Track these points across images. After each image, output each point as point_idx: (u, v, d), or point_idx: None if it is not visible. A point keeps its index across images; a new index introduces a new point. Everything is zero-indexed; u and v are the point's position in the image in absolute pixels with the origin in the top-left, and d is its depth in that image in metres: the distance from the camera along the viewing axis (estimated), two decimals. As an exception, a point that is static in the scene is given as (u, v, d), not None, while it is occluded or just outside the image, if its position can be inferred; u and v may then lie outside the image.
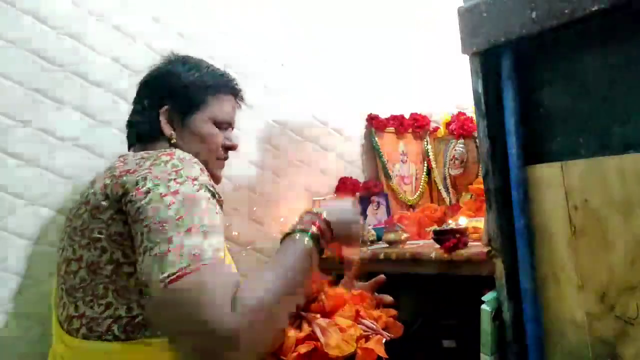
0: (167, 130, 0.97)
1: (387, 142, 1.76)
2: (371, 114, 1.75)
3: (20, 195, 1.10)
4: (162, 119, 0.97)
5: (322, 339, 0.88)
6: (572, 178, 0.75)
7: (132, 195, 0.75)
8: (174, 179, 0.75)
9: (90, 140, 1.21)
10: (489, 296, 0.85)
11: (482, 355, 0.84)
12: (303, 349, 0.87)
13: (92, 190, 0.81)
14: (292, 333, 0.89)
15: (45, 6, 1.16)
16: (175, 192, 0.74)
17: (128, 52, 1.28)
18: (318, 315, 0.93)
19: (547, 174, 0.78)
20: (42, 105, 1.15)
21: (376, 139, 1.74)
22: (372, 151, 1.75)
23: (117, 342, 0.76)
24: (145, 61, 1.30)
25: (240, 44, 1.50)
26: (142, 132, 0.99)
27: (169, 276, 0.66)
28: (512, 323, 0.81)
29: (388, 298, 1.05)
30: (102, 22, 1.25)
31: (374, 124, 1.74)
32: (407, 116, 1.80)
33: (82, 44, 1.21)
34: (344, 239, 0.88)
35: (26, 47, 1.13)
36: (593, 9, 0.67)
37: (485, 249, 0.96)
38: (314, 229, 0.81)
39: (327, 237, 0.83)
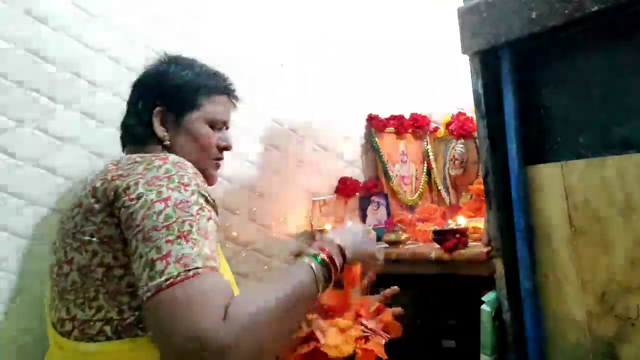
0: (160, 132, 0.96)
1: (387, 142, 1.76)
2: (371, 114, 1.75)
3: (20, 195, 1.10)
4: (156, 121, 0.96)
5: (321, 340, 0.88)
6: (572, 178, 0.75)
7: (124, 201, 0.74)
8: (166, 185, 0.74)
9: (90, 140, 1.20)
10: (489, 296, 0.85)
11: (482, 355, 0.84)
12: (303, 349, 0.87)
13: (84, 193, 0.80)
14: (292, 333, 0.89)
15: (45, 6, 1.16)
16: (167, 199, 0.72)
17: (128, 52, 1.28)
18: (318, 316, 0.93)
19: (547, 174, 0.78)
20: (42, 105, 1.15)
21: (376, 139, 1.74)
22: (372, 151, 1.75)
23: (109, 342, 0.76)
24: (146, 61, 1.30)
25: (241, 43, 1.50)
26: (136, 134, 0.98)
27: (157, 285, 0.65)
28: (512, 323, 0.81)
29: (391, 290, 1.05)
30: (102, 22, 1.25)
31: (374, 124, 1.74)
32: (407, 116, 1.80)
33: (82, 44, 1.21)
34: (360, 261, 0.90)
35: (26, 47, 1.13)
36: (593, 9, 0.67)
37: (485, 249, 0.96)
38: (323, 255, 0.80)
39: (339, 263, 0.82)
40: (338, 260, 0.82)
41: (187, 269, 0.66)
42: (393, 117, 1.78)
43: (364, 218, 1.62)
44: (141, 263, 0.68)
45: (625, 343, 0.70)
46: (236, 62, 1.48)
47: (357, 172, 1.72)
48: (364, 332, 0.94)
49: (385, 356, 0.92)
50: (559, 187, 0.76)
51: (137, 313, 0.76)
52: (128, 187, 0.75)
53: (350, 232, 0.88)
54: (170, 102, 0.97)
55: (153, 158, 0.80)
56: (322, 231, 1.43)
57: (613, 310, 0.71)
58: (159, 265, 0.66)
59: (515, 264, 0.81)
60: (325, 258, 0.79)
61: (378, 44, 1.84)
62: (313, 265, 0.77)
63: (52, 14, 1.17)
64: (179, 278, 0.65)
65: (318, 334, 0.89)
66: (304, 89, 1.63)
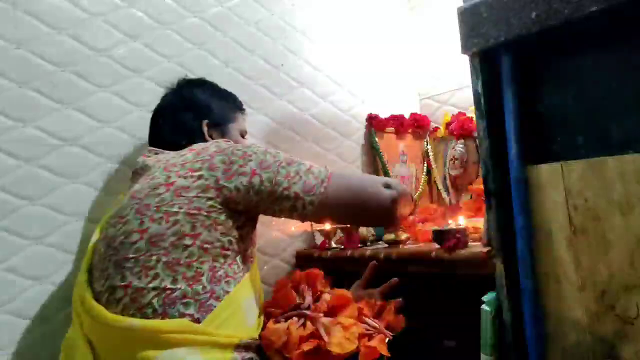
0: (210, 140, 1.11)
1: (387, 142, 1.76)
2: (371, 114, 1.75)
3: (20, 196, 1.11)
4: (205, 130, 1.14)
5: (325, 337, 0.89)
6: (572, 178, 0.75)
7: (242, 161, 0.94)
8: (253, 144, 1.01)
9: (90, 140, 1.21)
10: (489, 296, 0.84)
11: (482, 355, 0.84)
12: (306, 346, 0.87)
13: (176, 174, 0.92)
14: (296, 331, 0.89)
15: (45, 6, 1.17)
16: (267, 149, 0.99)
17: (128, 53, 1.28)
18: (321, 314, 0.93)
19: (547, 174, 0.78)
20: (42, 105, 1.15)
21: (376, 139, 1.73)
22: (372, 151, 1.75)
23: (153, 320, 0.83)
24: (145, 61, 1.31)
25: (241, 43, 1.50)
26: (175, 140, 1.10)
27: (326, 175, 0.98)
28: (512, 323, 0.81)
29: (391, 283, 1.12)
30: (102, 22, 1.25)
31: (374, 124, 1.74)
32: (407, 116, 1.80)
33: (82, 44, 1.21)
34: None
35: (26, 47, 1.14)
36: (593, 9, 0.68)
37: (485, 249, 0.96)
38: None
39: None
40: None
41: (325, 167, 1.01)
42: (393, 117, 1.78)
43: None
44: (300, 177, 0.96)
45: (625, 342, 0.70)
46: (236, 62, 1.48)
47: (357, 172, 1.72)
48: (367, 329, 0.95)
49: (388, 354, 0.92)
50: (559, 187, 0.76)
51: (184, 286, 0.85)
52: (235, 154, 0.95)
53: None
54: (215, 116, 1.17)
55: (221, 140, 1.03)
56: (321, 231, 1.43)
57: (613, 309, 0.71)
58: (315, 170, 0.98)
59: (515, 264, 0.81)
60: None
61: (378, 43, 1.84)
62: None
63: (52, 14, 1.17)
64: (329, 171, 0.99)
65: (321, 331, 0.89)
66: (304, 89, 1.63)
